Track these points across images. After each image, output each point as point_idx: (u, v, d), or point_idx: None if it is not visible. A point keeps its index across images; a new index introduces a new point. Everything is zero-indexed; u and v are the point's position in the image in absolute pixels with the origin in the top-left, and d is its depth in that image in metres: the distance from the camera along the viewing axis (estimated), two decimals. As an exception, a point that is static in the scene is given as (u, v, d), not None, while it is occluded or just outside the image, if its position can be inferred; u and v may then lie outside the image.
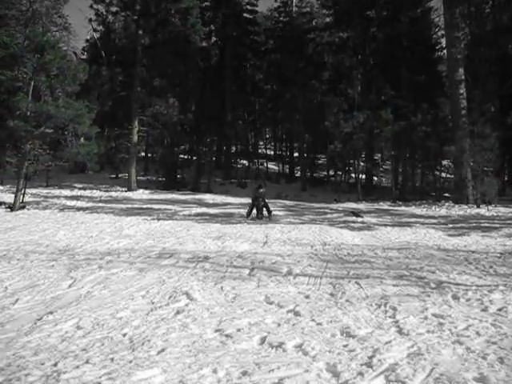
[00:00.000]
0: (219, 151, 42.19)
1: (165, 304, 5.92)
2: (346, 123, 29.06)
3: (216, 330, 4.92)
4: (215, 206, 22.76)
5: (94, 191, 28.60)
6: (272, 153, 49.94)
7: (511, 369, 3.91)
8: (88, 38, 40.44)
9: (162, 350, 4.29)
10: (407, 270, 8.06)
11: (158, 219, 16.49)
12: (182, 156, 37.82)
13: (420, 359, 4.07)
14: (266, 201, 18.25)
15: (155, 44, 32.17)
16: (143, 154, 40.69)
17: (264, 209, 17.85)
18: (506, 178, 33.29)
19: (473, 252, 10.25)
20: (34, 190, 26.00)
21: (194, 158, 38.30)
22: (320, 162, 42.11)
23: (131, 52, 31.93)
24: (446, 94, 29.71)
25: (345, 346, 4.46)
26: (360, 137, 29.26)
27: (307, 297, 6.32)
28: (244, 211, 19.28)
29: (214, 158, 40.34)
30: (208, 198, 27.53)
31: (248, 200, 24.60)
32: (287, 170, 43.30)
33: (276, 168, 44.79)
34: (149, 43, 32.13)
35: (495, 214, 19.70)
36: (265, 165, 43.75)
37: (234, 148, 44.47)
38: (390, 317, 5.40)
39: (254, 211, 17.94)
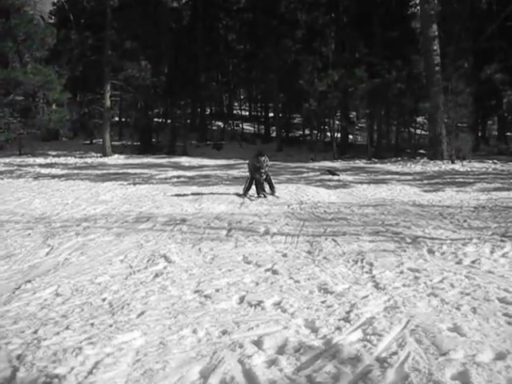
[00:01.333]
0: (194, 113, 41.70)
1: (143, 268, 5.94)
2: (321, 82, 28.90)
3: (195, 291, 4.96)
4: (191, 168, 22.64)
5: (69, 158, 28.22)
6: (247, 114, 49.56)
7: (483, 318, 4.01)
8: (55, 0, 39.24)
9: (142, 313, 4.32)
10: (383, 226, 8.17)
11: (134, 184, 16.37)
12: (156, 119, 37.27)
13: (396, 312, 4.16)
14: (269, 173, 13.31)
15: (125, 5, 31.33)
16: (117, 118, 39.98)
17: (266, 184, 13.01)
18: (479, 134, 33.48)
19: (447, 207, 10.41)
20: (6, 160, 25.56)
21: (169, 121, 37.83)
22: (295, 121, 41.87)
23: (101, 14, 30.99)
24: (419, 50, 29.62)
25: (323, 302, 4.53)
26: (335, 95, 29.16)
27: (285, 255, 6.38)
28: (221, 173, 19.20)
29: (188, 121, 39.95)
30: (184, 160, 27.35)
31: (225, 161, 24.58)
32: (263, 131, 43.00)
33: (251, 129, 44.44)
34: (118, 5, 31.17)
35: (469, 170, 19.93)
36: (240, 126, 43.39)
37: (208, 110, 44.01)
38: (366, 272, 5.49)
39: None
